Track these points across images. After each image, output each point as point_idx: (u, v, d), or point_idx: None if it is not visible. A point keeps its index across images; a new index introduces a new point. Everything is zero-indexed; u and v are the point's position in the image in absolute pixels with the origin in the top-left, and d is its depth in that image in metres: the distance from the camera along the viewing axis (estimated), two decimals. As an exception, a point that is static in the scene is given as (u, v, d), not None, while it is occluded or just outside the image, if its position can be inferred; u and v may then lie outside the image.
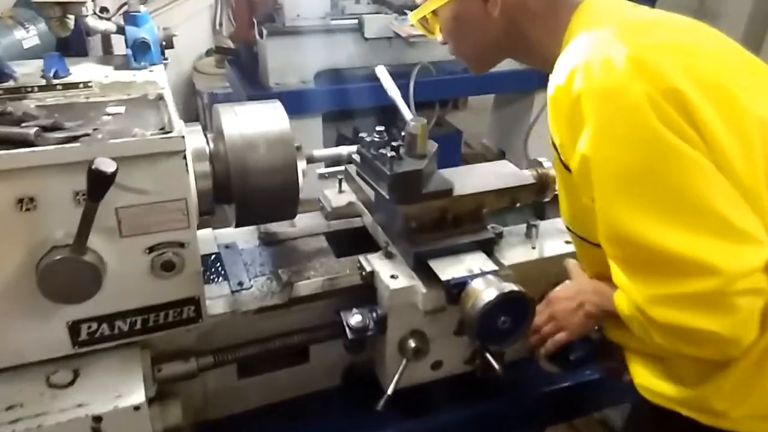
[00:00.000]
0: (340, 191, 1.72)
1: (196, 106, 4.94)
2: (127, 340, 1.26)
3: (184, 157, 1.14)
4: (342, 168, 1.78)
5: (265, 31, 3.48)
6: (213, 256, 1.52)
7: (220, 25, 5.52)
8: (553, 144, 1.07)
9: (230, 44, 4.55)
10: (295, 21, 3.41)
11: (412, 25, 3.89)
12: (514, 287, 1.25)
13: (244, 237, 1.60)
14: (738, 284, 0.87)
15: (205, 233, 1.59)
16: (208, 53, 5.13)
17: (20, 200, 1.06)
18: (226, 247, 1.56)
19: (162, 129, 1.14)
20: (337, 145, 4.30)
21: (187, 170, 1.16)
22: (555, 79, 1.00)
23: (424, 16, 1.25)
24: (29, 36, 2.39)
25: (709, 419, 1.04)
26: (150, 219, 1.17)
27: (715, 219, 0.88)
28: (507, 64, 2.61)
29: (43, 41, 2.40)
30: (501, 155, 4.73)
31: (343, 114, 4.03)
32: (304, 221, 1.68)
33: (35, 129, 1.05)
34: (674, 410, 1.08)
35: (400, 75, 3.97)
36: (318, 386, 1.58)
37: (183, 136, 1.11)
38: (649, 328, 0.97)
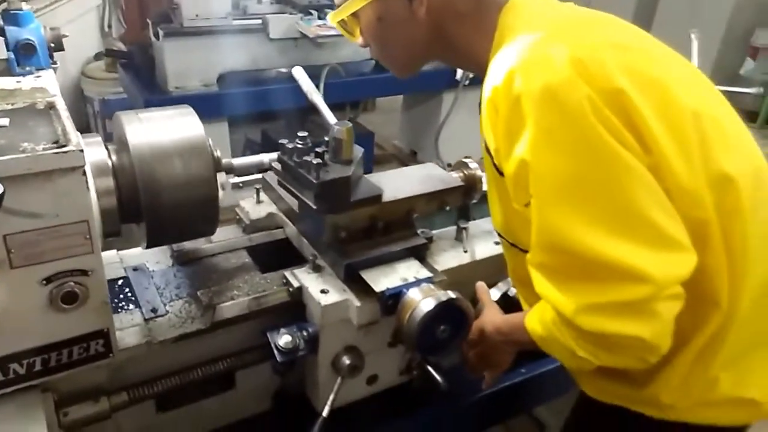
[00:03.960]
0: (258, 202, 1.61)
1: (86, 114, 4.57)
2: (25, 384, 1.10)
3: (84, 174, 1.00)
4: (258, 176, 1.68)
5: (161, 33, 3.27)
6: (120, 281, 1.37)
7: (109, 27, 5.15)
8: (486, 148, 1.03)
9: (121, 47, 4.25)
10: (194, 21, 3.23)
11: (318, 26, 3.75)
12: (451, 294, 1.21)
13: (154, 257, 1.45)
14: (665, 291, 0.87)
15: (110, 255, 1.43)
16: (97, 57, 4.76)
17: None
18: (135, 269, 1.41)
19: (56, 142, 0.99)
20: (244, 151, 4.09)
21: (88, 188, 1.02)
22: (492, 81, 0.96)
23: (344, 17, 1.18)
24: None
25: (657, 412, 1.06)
26: (46, 246, 1.02)
27: (650, 228, 0.87)
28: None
29: None
30: (413, 155, 4.75)
31: (250, 118, 3.87)
32: (222, 235, 1.56)
33: None
34: (621, 406, 1.09)
35: (309, 77, 3.88)
36: (246, 413, 1.47)
37: (81, 150, 0.97)
38: (571, 341, 0.94)
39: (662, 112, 0.91)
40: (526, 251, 1.04)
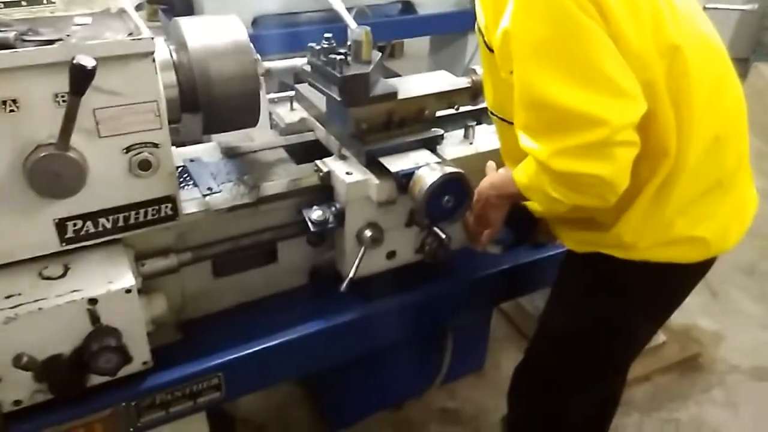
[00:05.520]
0: (292, 109, 1.85)
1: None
2: (110, 237, 1.37)
3: (153, 60, 1.25)
4: (291, 93, 1.92)
5: (199, -23, 3.50)
6: (180, 168, 1.63)
7: (149, -22, 5.39)
8: (479, 30, 1.24)
9: (162, -4, 4.50)
10: (230, -35, 3.44)
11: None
12: (454, 169, 1.43)
13: (207, 152, 1.71)
14: (619, 135, 1.07)
15: (170, 150, 1.69)
16: (138, 8, 5.02)
17: (3, 102, 1.15)
18: (192, 161, 1.67)
19: (130, 34, 1.24)
20: (279, 92, 4.37)
21: (157, 73, 1.27)
22: None
23: None
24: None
25: (622, 253, 1.28)
26: (125, 120, 1.27)
27: (606, 81, 1.08)
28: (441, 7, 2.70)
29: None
30: (438, 98, 4.92)
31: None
32: (262, 137, 1.80)
33: (14, 33, 1.13)
34: (596, 252, 1.31)
35: (337, 18, 4.07)
36: (287, 285, 1.74)
37: (152, 38, 1.22)
38: (547, 186, 1.16)
39: None
40: (512, 123, 1.26)
